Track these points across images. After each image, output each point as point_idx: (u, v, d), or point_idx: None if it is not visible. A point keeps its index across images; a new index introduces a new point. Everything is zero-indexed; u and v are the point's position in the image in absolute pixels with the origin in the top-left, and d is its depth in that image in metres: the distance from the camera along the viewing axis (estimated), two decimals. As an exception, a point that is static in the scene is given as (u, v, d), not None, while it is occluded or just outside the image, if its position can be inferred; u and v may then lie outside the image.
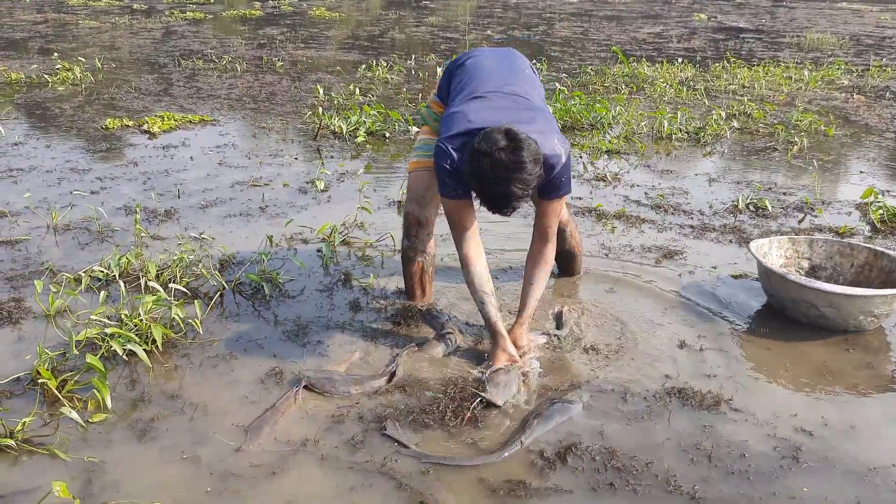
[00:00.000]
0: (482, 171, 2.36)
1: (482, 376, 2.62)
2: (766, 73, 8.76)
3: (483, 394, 2.49)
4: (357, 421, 2.43)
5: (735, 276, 3.54)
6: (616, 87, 7.80)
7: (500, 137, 2.34)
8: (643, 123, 6.26)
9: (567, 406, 2.47)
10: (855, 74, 8.97)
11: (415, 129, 5.84)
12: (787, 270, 3.30)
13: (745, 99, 7.35)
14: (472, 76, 2.78)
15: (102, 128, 6.05)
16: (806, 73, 8.76)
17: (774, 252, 3.39)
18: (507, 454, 2.25)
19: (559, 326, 3.03)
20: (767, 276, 3.15)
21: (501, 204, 2.44)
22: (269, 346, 2.88)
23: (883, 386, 2.68)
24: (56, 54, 9.05)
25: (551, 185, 2.63)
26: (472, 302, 2.87)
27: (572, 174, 4.97)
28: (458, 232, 2.70)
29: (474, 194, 2.58)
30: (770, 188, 4.86)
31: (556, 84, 7.53)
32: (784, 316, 3.15)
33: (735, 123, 6.44)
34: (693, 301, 3.29)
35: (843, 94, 7.88)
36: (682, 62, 9.14)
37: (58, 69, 8.16)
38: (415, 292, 3.22)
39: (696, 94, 7.58)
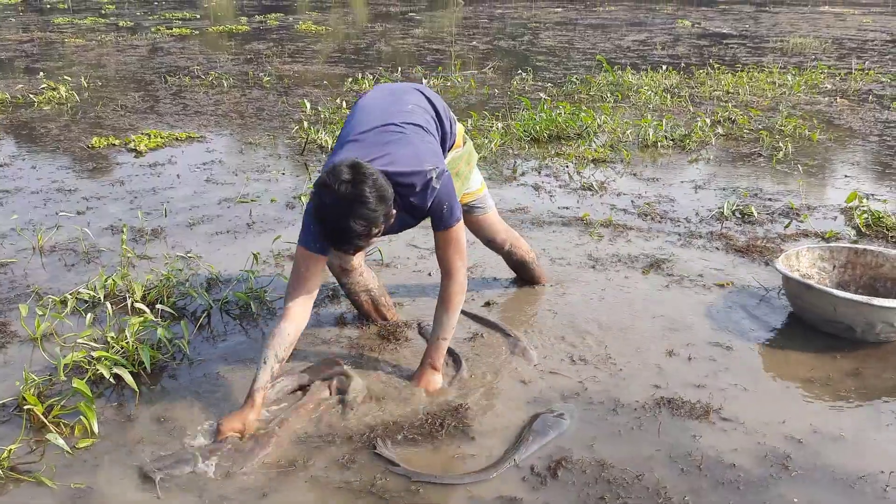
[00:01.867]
0: (323, 204, 2.29)
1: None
2: (750, 79, 8.82)
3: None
4: (346, 441, 2.42)
5: (720, 285, 3.55)
6: (601, 96, 7.84)
7: (344, 171, 2.25)
8: (629, 132, 6.30)
9: (559, 421, 2.46)
10: (838, 78, 9.05)
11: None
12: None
13: (730, 105, 7.40)
14: (352, 119, 2.68)
15: (88, 147, 6.03)
16: (789, 77, 8.83)
17: (805, 263, 3.37)
18: (498, 473, 2.25)
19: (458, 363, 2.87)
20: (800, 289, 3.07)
21: (341, 240, 2.34)
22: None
23: (870, 393, 2.69)
24: (42, 73, 9.02)
25: (434, 216, 2.55)
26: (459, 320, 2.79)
27: (559, 184, 5.06)
28: (296, 284, 2.52)
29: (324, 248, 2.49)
30: (756, 194, 4.89)
31: (542, 94, 7.55)
32: (769, 325, 3.17)
33: (720, 130, 6.48)
34: (679, 310, 3.30)
35: (826, 98, 7.94)
36: (667, 69, 9.20)
37: (43, 89, 8.14)
38: (377, 321, 3.19)
39: (680, 101, 7.62)
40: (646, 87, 8.05)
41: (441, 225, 2.57)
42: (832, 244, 3.46)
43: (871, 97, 8.06)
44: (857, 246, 3.40)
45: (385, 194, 2.31)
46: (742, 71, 9.36)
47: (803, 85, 8.51)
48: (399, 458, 2.31)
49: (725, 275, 3.64)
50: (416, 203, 2.49)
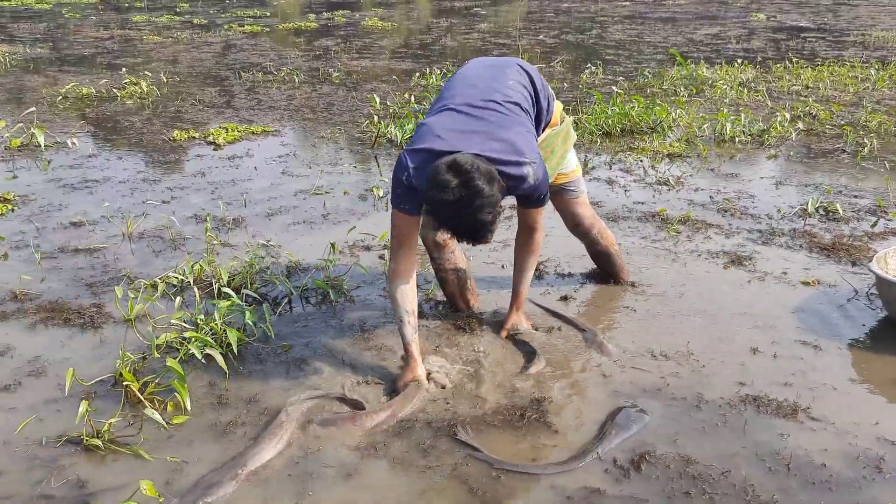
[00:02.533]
0: (446, 215, 2.36)
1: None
2: (831, 73, 8.51)
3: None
4: (426, 426, 2.45)
5: (805, 283, 3.45)
6: (674, 90, 7.69)
7: (449, 179, 2.27)
8: (704, 126, 6.16)
9: (641, 416, 2.44)
10: (925, 72, 8.64)
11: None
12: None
13: (810, 100, 7.16)
14: (451, 88, 2.72)
15: (170, 139, 6.25)
16: (872, 72, 8.48)
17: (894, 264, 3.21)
18: (580, 465, 2.24)
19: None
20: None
21: (478, 236, 2.41)
22: (337, 350, 2.93)
23: (970, 395, 2.58)
24: (124, 69, 9.38)
25: (530, 199, 2.67)
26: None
27: (633, 178, 4.99)
28: (397, 244, 2.65)
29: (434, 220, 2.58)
30: (840, 191, 4.73)
31: (614, 88, 7.46)
32: (858, 325, 3.06)
33: (800, 125, 6.27)
34: (763, 307, 3.22)
35: (913, 93, 7.60)
36: (742, 63, 8.96)
37: (125, 84, 8.46)
38: (458, 307, 3.23)
39: (757, 96, 7.42)
40: (721, 82, 7.86)
41: (536, 204, 2.71)
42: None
43: (962, 92, 7.67)
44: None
45: (493, 175, 2.35)
46: (822, 65, 9.05)
47: (887, 80, 8.17)
48: (480, 445, 2.33)
49: (811, 273, 3.54)
50: (509, 186, 2.50)
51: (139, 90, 8.15)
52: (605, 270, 3.49)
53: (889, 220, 4.20)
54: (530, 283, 2.97)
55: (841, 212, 4.28)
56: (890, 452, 2.27)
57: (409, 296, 2.65)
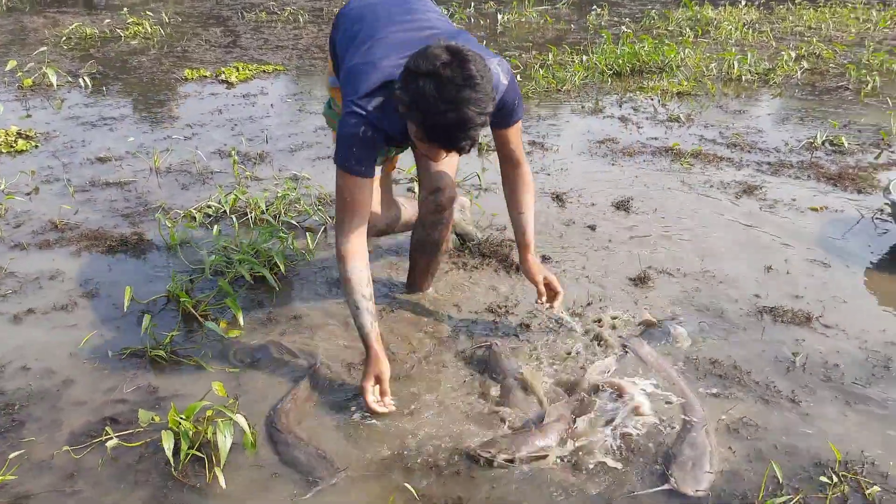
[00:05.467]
0: (424, 98, 1.88)
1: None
2: (833, 14, 8.56)
3: None
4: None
5: (814, 209, 3.62)
6: (680, 31, 7.73)
7: (440, 53, 1.89)
8: (712, 66, 6.25)
9: (676, 326, 2.61)
10: (927, 13, 8.70)
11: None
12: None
13: (814, 40, 7.24)
14: (361, 22, 2.29)
15: (182, 78, 6.29)
16: (874, 12, 8.54)
17: None
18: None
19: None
20: None
21: (457, 135, 1.93)
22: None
23: (969, 307, 2.78)
24: (125, 10, 9.30)
25: (504, 112, 2.26)
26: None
27: (645, 116, 5.11)
28: (349, 215, 2.22)
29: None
30: (845, 125, 4.87)
31: (623, 27, 7.50)
32: (865, 247, 3.24)
33: (805, 64, 6.37)
34: (774, 231, 3.39)
35: (915, 33, 7.68)
36: (746, 4, 8.98)
37: (129, 24, 8.41)
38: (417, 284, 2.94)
39: (762, 37, 7.48)
40: (725, 23, 7.90)
41: (512, 119, 2.32)
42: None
43: (963, 32, 7.76)
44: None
45: (489, 74, 1.95)
46: (824, 6, 9.07)
47: (889, 20, 8.22)
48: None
49: (818, 201, 3.71)
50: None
51: (143, 30, 8.12)
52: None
53: (892, 151, 4.36)
54: (533, 223, 2.55)
55: (846, 145, 4.43)
56: (896, 355, 2.48)
57: (365, 278, 2.24)
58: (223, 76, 6.28)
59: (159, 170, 4.28)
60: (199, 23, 8.90)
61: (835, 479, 1.93)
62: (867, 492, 1.90)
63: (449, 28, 2.30)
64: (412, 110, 1.94)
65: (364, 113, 2.08)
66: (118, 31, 8.16)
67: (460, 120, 1.89)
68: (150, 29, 8.13)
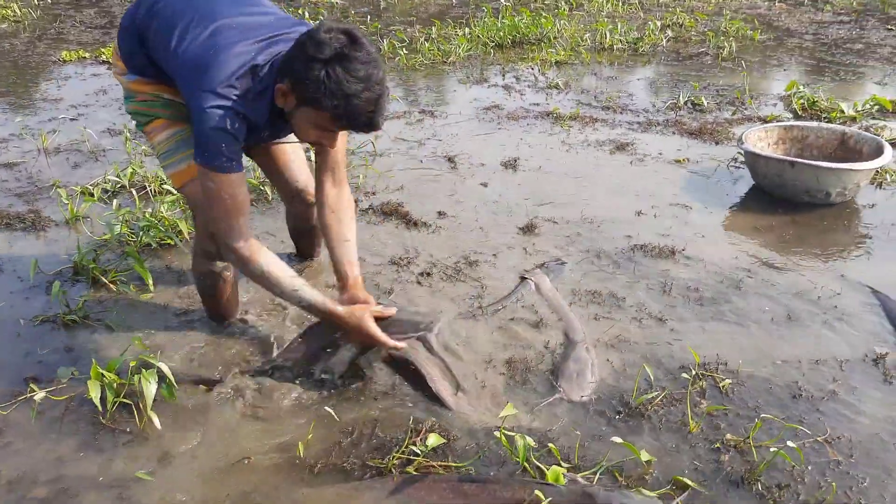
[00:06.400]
0: (337, 82, 1.81)
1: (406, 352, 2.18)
2: (695, -14, 9.22)
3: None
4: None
5: (678, 161, 4.02)
6: (556, 4, 8.14)
7: (335, 35, 1.83)
8: (586, 36, 6.66)
9: (560, 266, 2.91)
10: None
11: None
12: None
13: (677, 10, 7.81)
14: (184, 11, 2.05)
15: (60, 60, 6.09)
16: (731, -15, 9.26)
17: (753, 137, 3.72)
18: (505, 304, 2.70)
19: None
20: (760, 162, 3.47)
21: (374, 113, 1.88)
22: (285, 237, 3.18)
23: (804, 236, 3.22)
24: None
25: None
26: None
27: (527, 84, 5.43)
28: (234, 215, 2.02)
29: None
30: (705, 87, 5.36)
31: (502, 1, 7.81)
32: (720, 191, 3.67)
33: (669, 33, 6.89)
34: (643, 181, 3.77)
35: (766, 2, 8.41)
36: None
37: (-6, 6, 7.99)
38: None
39: (631, 8, 7.99)
40: (598, -4, 8.38)
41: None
42: (767, 125, 3.93)
43: (806, 0, 8.56)
44: (784, 123, 3.88)
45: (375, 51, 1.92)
46: (687, -21, 9.74)
47: (744, -8, 8.95)
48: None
49: (681, 153, 4.12)
50: None
51: (12, 13, 7.73)
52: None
53: (745, 109, 4.86)
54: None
55: (706, 104, 4.90)
56: (746, 277, 2.86)
57: (282, 263, 2.12)
58: (103, 57, 6.13)
59: (48, 150, 4.21)
60: (72, 4, 8.54)
61: (695, 376, 2.27)
62: (720, 384, 2.24)
63: (287, 15, 2.18)
64: (324, 98, 1.83)
65: (230, 102, 1.92)
66: (-18, 12, 7.74)
67: (375, 97, 1.86)
68: (19, 12, 7.75)
